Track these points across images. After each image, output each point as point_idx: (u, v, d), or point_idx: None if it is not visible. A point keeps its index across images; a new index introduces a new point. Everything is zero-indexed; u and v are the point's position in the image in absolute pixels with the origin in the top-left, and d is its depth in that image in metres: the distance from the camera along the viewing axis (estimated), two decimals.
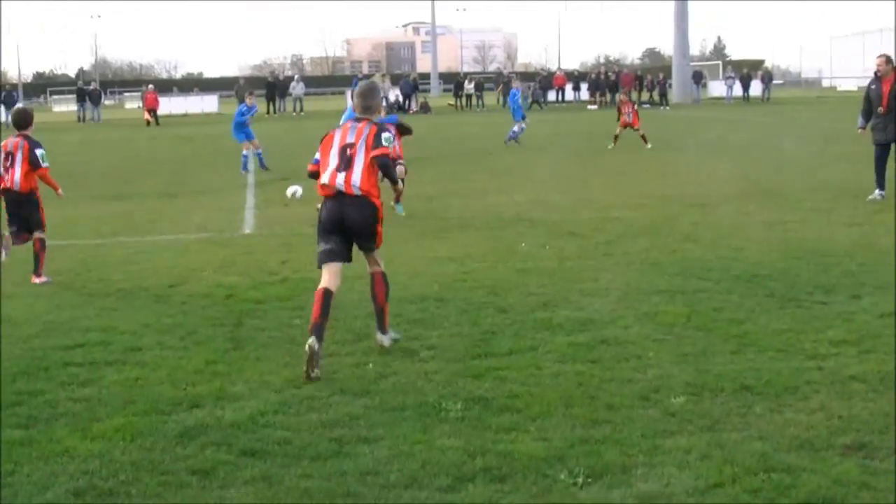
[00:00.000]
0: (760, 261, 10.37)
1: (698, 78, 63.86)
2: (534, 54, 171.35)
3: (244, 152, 22.44)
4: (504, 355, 7.18)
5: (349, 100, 59.42)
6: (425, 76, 77.73)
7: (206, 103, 63.81)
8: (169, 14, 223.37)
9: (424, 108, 54.11)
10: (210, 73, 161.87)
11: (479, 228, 13.22)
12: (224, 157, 26.47)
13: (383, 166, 7.31)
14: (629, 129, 26.58)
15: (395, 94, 56.29)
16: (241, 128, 22.57)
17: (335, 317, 8.44)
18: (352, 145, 7.33)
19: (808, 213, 13.86)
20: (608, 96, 58.71)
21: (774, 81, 78.33)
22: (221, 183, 20.13)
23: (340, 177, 7.30)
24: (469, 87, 57.61)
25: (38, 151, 10.58)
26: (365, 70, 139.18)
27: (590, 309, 8.47)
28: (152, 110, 49.34)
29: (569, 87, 62.07)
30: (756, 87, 64.54)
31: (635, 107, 27.72)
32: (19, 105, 33.28)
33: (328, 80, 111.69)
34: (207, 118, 54.36)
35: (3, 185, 10.51)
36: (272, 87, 54.13)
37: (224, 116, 53.38)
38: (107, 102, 71.64)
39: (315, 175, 7.51)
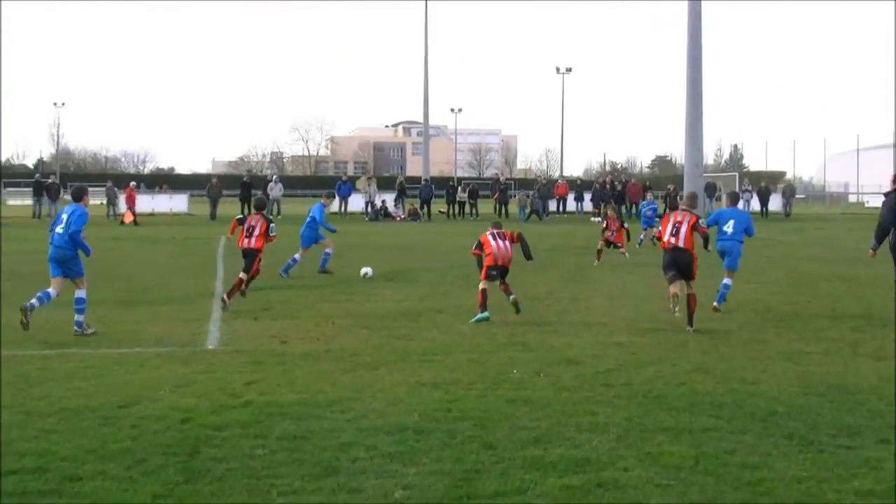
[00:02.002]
0: (777, 397, 10.28)
1: (712, 191, 64.49)
2: (534, 158, 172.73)
3: (327, 250, 23.53)
4: (489, 498, 7.03)
5: (332, 203, 59.83)
6: (415, 180, 78.40)
7: (175, 202, 64.19)
8: (140, 102, 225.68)
9: (413, 214, 54.46)
10: (182, 168, 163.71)
11: (468, 351, 13.12)
12: (192, 261, 26.45)
13: None
14: (613, 246, 26.90)
15: (380, 199, 56.79)
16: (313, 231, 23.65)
17: (301, 448, 8.30)
18: None
19: (831, 343, 13.81)
20: (614, 207, 59.14)
21: (796, 195, 79.30)
22: (187, 290, 20.04)
23: None
24: (462, 194, 58.11)
25: None
26: (350, 171, 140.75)
27: (586, 447, 8.34)
28: (132, 209, 49.72)
29: (571, 197, 62.64)
30: (776, 202, 65.32)
31: (623, 224, 28.16)
32: None
33: (309, 181, 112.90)
34: (176, 218, 54.57)
35: None
36: (247, 187, 54.34)
37: (195, 218, 53.64)
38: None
39: None
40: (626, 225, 28.78)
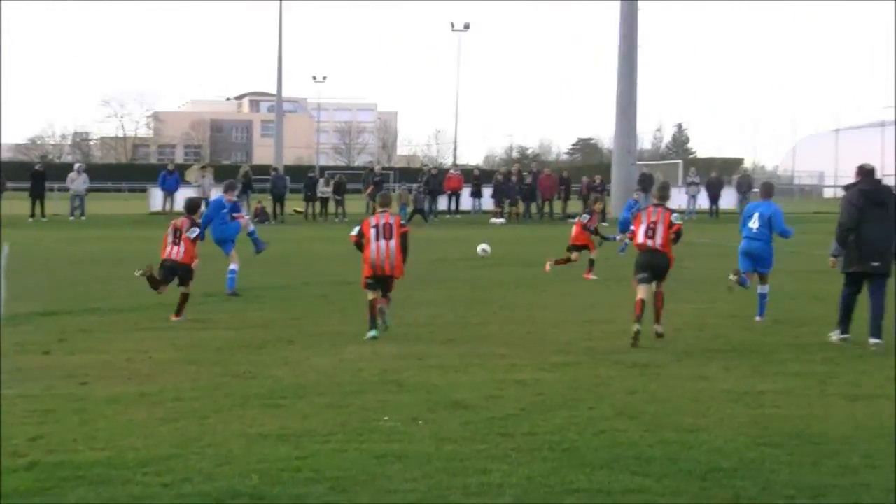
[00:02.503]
0: (722, 448, 10.47)
1: (648, 182, 65.28)
2: (420, 142, 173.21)
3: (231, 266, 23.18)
4: None
5: (153, 200, 59.24)
6: (264, 170, 77.94)
7: None
8: None
9: (260, 215, 54.07)
10: None
11: (326, 393, 13.13)
12: None
13: None
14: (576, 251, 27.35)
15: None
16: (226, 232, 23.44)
17: None
18: None
19: (794, 379, 14.12)
20: (520, 206, 59.68)
21: (756, 189, 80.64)
22: None
23: None
24: (325, 188, 57.93)
25: None
26: (179, 158, 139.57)
27: None
28: None
29: (466, 192, 62.85)
30: (729, 197, 66.36)
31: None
32: None
33: (125, 171, 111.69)
34: None
35: None
36: (40, 178, 53.40)
37: None
38: None
39: None
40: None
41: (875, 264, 16.87)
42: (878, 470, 9.77)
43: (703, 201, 63.65)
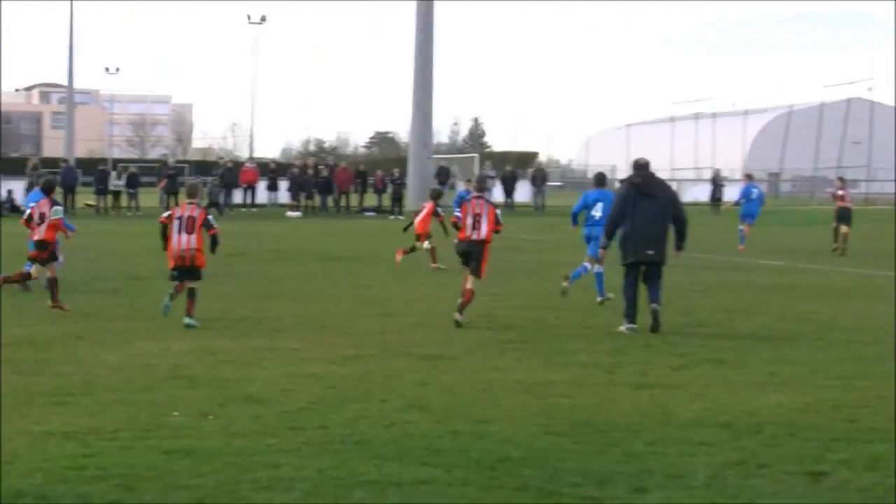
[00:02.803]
0: (512, 438, 10.60)
1: (445, 175, 65.80)
2: (216, 135, 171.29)
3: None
4: None
5: None
6: (55, 162, 76.45)
7: None
8: None
9: None
10: None
11: (114, 390, 12.93)
12: None
13: None
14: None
15: (5, 189, 54.99)
16: None
17: None
18: None
19: (583, 370, 14.37)
20: (317, 199, 59.64)
21: (550, 183, 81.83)
22: None
23: None
24: (118, 182, 57.12)
25: None
26: None
27: None
28: None
29: (262, 185, 62.53)
30: (524, 190, 67.25)
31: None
32: None
33: None
34: None
35: None
36: None
37: None
38: None
39: None
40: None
41: (650, 253, 17.59)
42: (662, 456, 9.98)
43: (498, 194, 64.25)
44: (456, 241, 19.32)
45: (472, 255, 18.59)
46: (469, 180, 46.08)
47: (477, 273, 18.51)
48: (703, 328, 18.04)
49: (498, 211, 19.02)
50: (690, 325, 18.43)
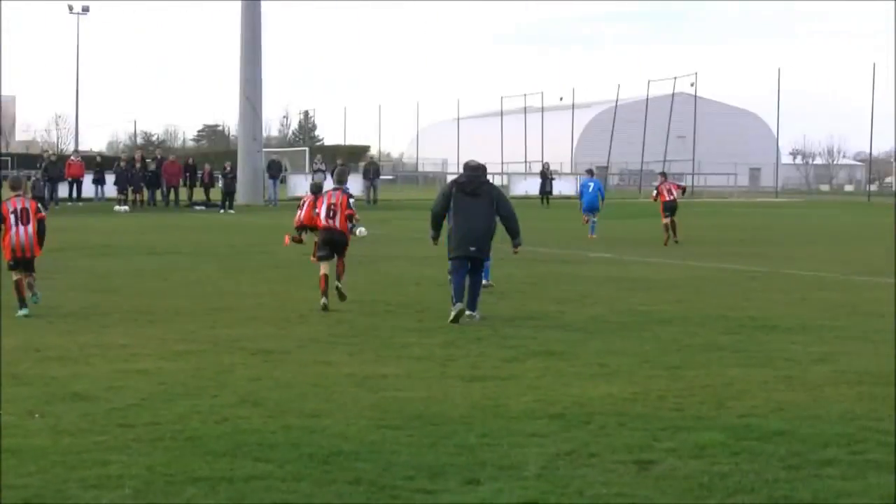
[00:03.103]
0: (344, 432, 10.61)
1: (276, 169, 65.56)
2: (40, 127, 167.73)
3: None
4: None
5: None
6: None
7: None
8: None
9: None
10: None
11: None
12: None
13: None
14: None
15: None
16: None
17: None
18: None
19: (416, 363, 14.42)
20: (145, 193, 59.03)
21: (384, 177, 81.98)
22: None
23: None
24: None
25: None
26: None
27: None
28: None
29: (88, 179, 61.60)
30: (357, 183, 67.28)
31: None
32: None
33: None
34: None
35: None
36: None
37: None
38: None
39: None
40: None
41: (472, 249, 18.43)
42: (494, 448, 10.05)
43: (329, 187, 64.15)
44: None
45: (335, 242, 20.00)
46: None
47: (342, 255, 20.07)
48: (534, 321, 18.21)
49: (351, 200, 20.63)
50: (522, 317, 18.62)
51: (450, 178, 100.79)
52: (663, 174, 42.08)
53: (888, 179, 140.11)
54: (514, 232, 19.00)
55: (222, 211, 56.37)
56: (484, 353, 15.07)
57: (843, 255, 32.87)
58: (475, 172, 18.96)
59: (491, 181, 19.77)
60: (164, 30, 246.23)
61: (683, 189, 41.50)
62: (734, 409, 11.72)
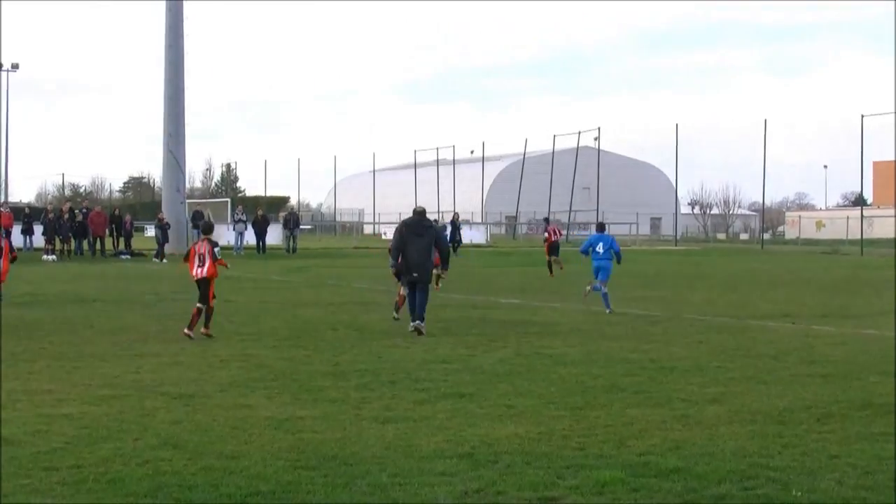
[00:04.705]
0: (262, 473, 10.55)
1: (199, 218, 65.24)
2: None
3: None
4: None
5: None
6: None
7: None
8: None
9: None
10: None
11: None
12: None
13: None
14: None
15: None
16: None
17: None
18: None
19: (332, 405, 14.37)
20: (72, 243, 58.51)
21: (303, 226, 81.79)
22: None
23: None
24: None
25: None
26: None
27: None
28: None
29: (17, 230, 60.97)
30: (276, 233, 67.22)
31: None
32: None
33: None
34: None
35: None
36: None
37: None
38: None
39: None
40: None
41: (415, 275, 23.15)
42: (405, 487, 10.05)
43: (250, 237, 64.17)
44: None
45: (200, 287, 22.15)
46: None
47: (206, 301, 21.96)
48: (445, 364, 18.23)
49: (216, 249, 22.29)
50: (433, 360, 18.62)
51: (366, 227, 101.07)
52: (546, 220, 52.74)
53: (780, 228, 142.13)
54: (445, 262, 24.94)
55: (156, 260, 55.95)
56: (397, 396, 15.06)
57: (738, 300, 33.21)
58: (421, 217, 23.80)
59: (433, 223, 24.89)
60: (92, 83, 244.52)
61: (561, 233, 49.73)
62: (634, 448, 11.80)
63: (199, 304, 21.88)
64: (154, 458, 11.22)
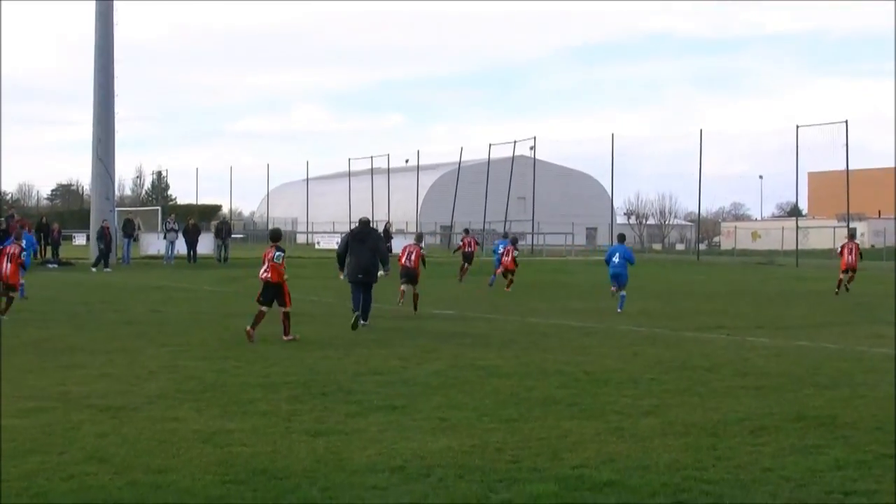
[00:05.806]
0: (190, 488, 10.48)
1: (130, 227, 64.88)
2: None
3: None
4: None
5: None
6: None
7: None
8: None
9: None
10: None
11: None
12: None
13: None
14: None
15: None
16: None
17: None
18: None
19: (262, 418, 14.29)
20: None
21: (235, 235, 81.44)
22: None
23: None
24: None
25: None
26: None
27: None
28: None
29: None
30: (208, 242, 66.85)
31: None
32: None
33: None
34: None
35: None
36: None
37: None
38: None
39: None
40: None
41: (360, 276, 26.33)
42: (336, 501, 10.04)
43: (181, 246, 63.85)
44: None
45: (268, 290, 23.73)
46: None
47: (283, 305, 23.53)
48: (378, 375, 18.19)
49: (277, 254, 23.50)
50: (366, 372, 18.57)
51: (300, 237, 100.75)
52: (466, 230, 55.80)
53: (716, 239, 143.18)
54: (384, 263, 26.64)
55: (94, 269, 55.41)
56: (328, 408, 15.01)
57: (673, 311, 33.38)
58: (365, 226, 27.05)
59: (376, 229, 28.94)
60: (19, 88, 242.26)
61: (478, 244, 56.82)
62: (568, 461, 11.81)
63: (262, 308, 23.43)
64: (80, 473, 11.11)
